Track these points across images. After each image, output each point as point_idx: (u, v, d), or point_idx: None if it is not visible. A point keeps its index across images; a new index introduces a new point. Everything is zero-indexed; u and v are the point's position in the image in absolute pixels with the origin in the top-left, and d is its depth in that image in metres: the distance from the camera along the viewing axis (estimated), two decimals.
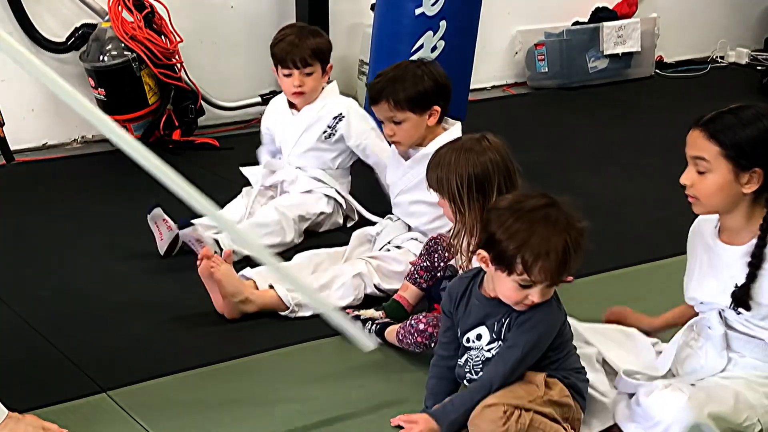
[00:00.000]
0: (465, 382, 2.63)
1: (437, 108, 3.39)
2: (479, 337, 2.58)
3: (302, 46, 3.85)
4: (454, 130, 3.42)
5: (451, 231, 2.97)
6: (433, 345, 2.93)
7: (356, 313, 3.17)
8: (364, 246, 3.59)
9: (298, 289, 3.15)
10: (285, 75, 3.89)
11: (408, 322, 3.01)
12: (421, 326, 2.96)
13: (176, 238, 3.68)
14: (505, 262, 2.45)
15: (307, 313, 3.25)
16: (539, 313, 2.50)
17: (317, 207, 3.89)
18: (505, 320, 2.54)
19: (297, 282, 3.07)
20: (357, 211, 3.97)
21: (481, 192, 2.88)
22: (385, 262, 3.41)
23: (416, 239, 3.45)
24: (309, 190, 3.90)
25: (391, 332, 3.06)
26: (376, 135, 3.90)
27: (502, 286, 2.50)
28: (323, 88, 3.94)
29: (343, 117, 3.89)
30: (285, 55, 3.86)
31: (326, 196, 3.92)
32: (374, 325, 3.10)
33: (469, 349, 2.60)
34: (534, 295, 2.47)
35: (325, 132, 3.90)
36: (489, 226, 2.49)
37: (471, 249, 2.95)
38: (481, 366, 2.58)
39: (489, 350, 2.57)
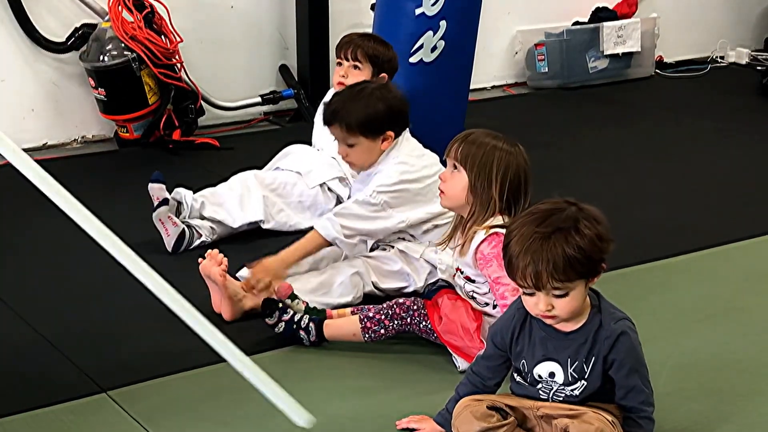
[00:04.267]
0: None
1: (390, 133, 3.36)
2: (552, 374, 2.46)
3: (359, 44, 3.99)
4: (401, 145, 3.40)
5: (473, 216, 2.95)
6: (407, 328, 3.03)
7: (289, 311, 3.12)
8: (364, 244, 3.59)
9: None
10: (337, 63, 4.05)
11: (368, 327, 3.06)
12: (384, 330, 3.05)
13: (182, 233, 3.74)
14: (504, 265, 2.41)
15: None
16: (621, 338, 2.40)
17: (293, 190, 3.91)
18: (590, 360, 2.42)
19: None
20: None
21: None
22: (382, 262, 3.41)
23: (404, 239, 3.45)
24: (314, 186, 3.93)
25: (333, 328, 3.09)
26: None
27: (522, 297, 2.44)
28: None
29: None
30: (342, 45, 4.04)
31: (326, 186, 3.94)
32: (309, 323, 3.09)
33: (541, 382, 2.49)
34: (540, 303, 2.37)
35: None
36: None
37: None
38: (562, 399, 2.48)
39: (573, 390, 2.46)
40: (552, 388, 2.48)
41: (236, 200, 3.83)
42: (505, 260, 2.40)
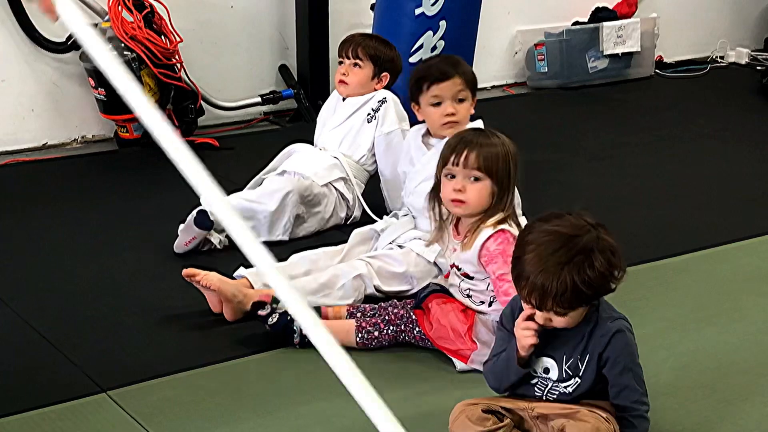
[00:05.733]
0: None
1: (475, 100, 3.60)
2: (546, 370, 2.49)
3: (360, 42, 4.03)
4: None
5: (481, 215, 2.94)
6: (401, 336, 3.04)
7: (282, 309, 3.09)
8: (365, 245, 3.59)
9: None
10: (339, 63, 4.09)
11: (363, 327, 3.06)
12: (378, 332, 3.05)
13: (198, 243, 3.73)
14: (512, 272, 2.43)
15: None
16: (616, 335, 2.42)
17: (321, 200, 3.91)
18: (585, 358, 2.44)
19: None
20: (362, 209, 3.99)
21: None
22: (386, 263, 3.40)
23: (419, 239, 3.44)
24: (325, 184, 3.93)
25: (326, 326, 3.05)
26: (405, 137, 3.95)
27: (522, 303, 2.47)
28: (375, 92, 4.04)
29: (386, 101, 3.98)
30: (343, 44, 4.08)
31: (333, 187, 3.94)
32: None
33: (537, 378, 2.51)
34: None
35: (369, 114, 3.99)
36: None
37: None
38: (556, 397, 2.50)
39: (567, 387, 2.48)
40: (547, 385, 2.49)
41: (267, 220, 3.78)
42: (515, 271, 2.40)
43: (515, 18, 6.18)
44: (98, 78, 4.84)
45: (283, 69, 5.55)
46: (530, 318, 2.43)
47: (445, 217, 3.01)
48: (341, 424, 2.72)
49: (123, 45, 4.79)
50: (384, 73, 4.03)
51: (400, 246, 3.47)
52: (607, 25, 6.15)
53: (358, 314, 3.15)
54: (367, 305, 3.18)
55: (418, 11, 4.35)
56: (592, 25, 6.17)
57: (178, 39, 4.93)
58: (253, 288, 3.30)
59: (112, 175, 4.71)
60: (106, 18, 4.86)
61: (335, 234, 3.88)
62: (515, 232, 2.85)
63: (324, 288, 3.31)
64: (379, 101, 3.99)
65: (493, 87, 6.20)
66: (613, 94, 6.09)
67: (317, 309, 3.17)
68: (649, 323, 3.26)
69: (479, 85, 5.84)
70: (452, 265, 3.01)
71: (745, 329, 3.26)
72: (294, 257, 3.51)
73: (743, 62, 6.75)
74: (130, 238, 3.91)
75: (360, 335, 3.06)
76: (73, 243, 3.92)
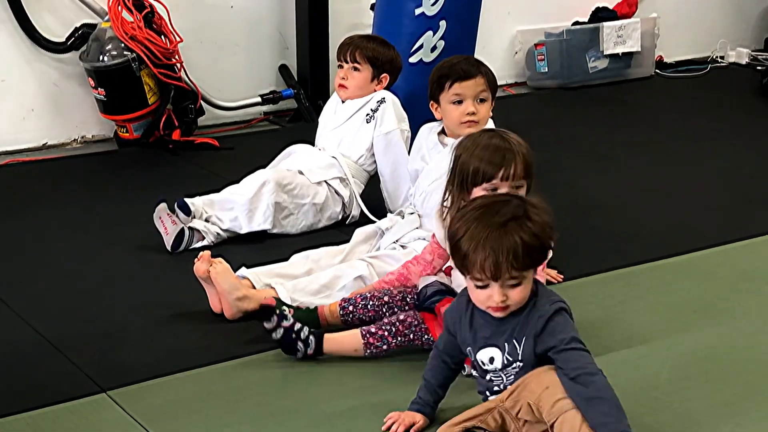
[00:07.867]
0: (488, 394, 2.56)
1: (493, 102, 3.57)
2: (492, 360, 2.50)
3: (358, 45, 4.03)
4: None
5: None
6: (409, 341, 3.01)
7: (289, 318, 3.05)
8: (367, 244, 3.59)
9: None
10: (338, 66, 4.09)
11: (371, 343, 3.01)
12: (386, 346, 3.01)
13: (181, 232, 3.73)
14: (457, 264, 2.45)
15: None
16: (554, 317, 2.42)
17: (308, 192, 3.90)
18: (521, 340, 2.45)
19: None
20: (361, 209, 3.99)
21: None
22: (386, 263, 3.39)
23: (423, 239, 3.44)
24: (319, 181, 3.93)
25: (334, 343, 3.03)
26: (404, 137, 3.95)
27: (470, 291, 2.48)
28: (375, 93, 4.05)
29: (385, 101, 3.98)
30: (342, 47, 4.08)
31: (327, 184, 3.94)
32: (310, 335, 3.02)
33: (489, 373, 2.53)
34: (495, 295, 2.40)
35: (368, 114, 3.99)
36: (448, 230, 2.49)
37: None
38: (502, 388, 2.51)
39: (509, 374, 2.50)
40: (500, 376, 2.51)
41: (245, 208, 3.80)
42: (458, 259, 2.43)
43: (515, 18, 6.18)
44: (98, 78, 4.84)
45: (283, 69, 5.55)
46: None
47: None
48: (341, 424, 2.72)
49: (123, 45, 4.79)
50: (384, 75, 4.03)
51: (403, 246, 3.47)
52: (607, 25, 6.16)
53: (350, 307, 3.12)
54: (358, 296, 3.15)
55: (418, 11, 4.34)
56: (592, 25, 6.18)
57: (178, 39, 4.94)
58: (254, 288, 3.30)
59: (112, 175, 4.71)
60: (106, 18, 4.87)
61: (336, 234, 3.88)
62: None
63: (325, 289, 3.31)
64: (378, 101, 3.99)
65: None
66: (613, 94, 6.09)
67: (315, 308, 3.16)
68: (649, 323, 3.26)
69: None
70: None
71: (745, 329, 3.26)
72: (295, 257, 3.51)
73: (743, 62, 6.75)
74: (130, 238, 3.90)
75: (369, 351, 3.01)
76: (73, 243, 3.92)
